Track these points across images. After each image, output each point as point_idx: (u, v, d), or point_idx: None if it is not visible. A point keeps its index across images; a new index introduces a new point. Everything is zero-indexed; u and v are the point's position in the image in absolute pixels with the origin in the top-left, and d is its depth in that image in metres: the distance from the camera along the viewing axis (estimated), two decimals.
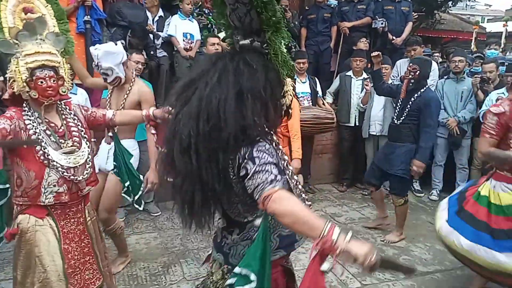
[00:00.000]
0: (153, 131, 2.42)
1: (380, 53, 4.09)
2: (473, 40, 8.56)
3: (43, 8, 2.20)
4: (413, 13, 6.01)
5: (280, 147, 1.42)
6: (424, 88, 3.74)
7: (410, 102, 3.72)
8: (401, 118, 3.76)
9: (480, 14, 25.44)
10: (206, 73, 1.31)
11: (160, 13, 4.87)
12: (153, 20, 4.82)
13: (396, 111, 3.87)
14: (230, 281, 1.29)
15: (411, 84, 3.72)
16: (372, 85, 4.52)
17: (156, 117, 2.29)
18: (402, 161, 3.72)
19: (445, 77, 5.03)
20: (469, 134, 4.82)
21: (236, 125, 1.22)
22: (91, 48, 3.04)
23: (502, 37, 8.66)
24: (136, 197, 2.73)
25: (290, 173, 1.44)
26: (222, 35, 4.98)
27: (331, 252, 1.13)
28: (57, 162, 1.98)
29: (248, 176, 1.24)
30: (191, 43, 4.92)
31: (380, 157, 4.01)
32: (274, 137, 1.40)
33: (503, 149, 2.65)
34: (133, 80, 3.11)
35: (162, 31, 4.80)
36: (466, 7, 22.95)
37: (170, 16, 4.93)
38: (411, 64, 3.76)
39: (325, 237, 1.12)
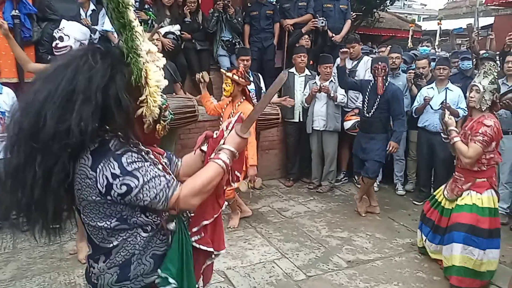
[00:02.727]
0: None
1: (348, 50, 4.51)
2: (409, 38, 9.01)
3: None
4: (352, 12, 6.23)
5: (151, 156, 1.34)
6: (388, 82, 4.23)
7: (379, 96, 4.17)
8: (372, 111, 4.22)
9: (416, 13, 26.90)
10: (59, 63, 1.21)
11: (92, 7, 4.66)
12: (85, 14, 4.60)
13: (366, 105, 4.29)
14: (157, 280, 1.29)
15: (384, 80, 4.17)
16: (317, 89, 4.83)
17: None
18: (378, 148, 4.22)
19: None
20: (404, 127, 5.06)
21: (55, 127, 1.10)
22: (63, 20, 3.19)
23: (437, 34, 9.18)
24: None
25: None
26: (162, 30, 4.86)
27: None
28: None
29: (136, 191, 1.17)
30: None
31: (357, 148, 4.48)
32: (142, 147, 1.31)
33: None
34: None
35: (96, 25, 4.60)
36: (403, 6, 24.20)
37: (103, 8, 4.72)
38: (380, 63, 4.17)
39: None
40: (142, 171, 1.18)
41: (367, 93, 4.29)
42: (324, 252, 3.65)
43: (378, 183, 5.25)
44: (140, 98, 1.22)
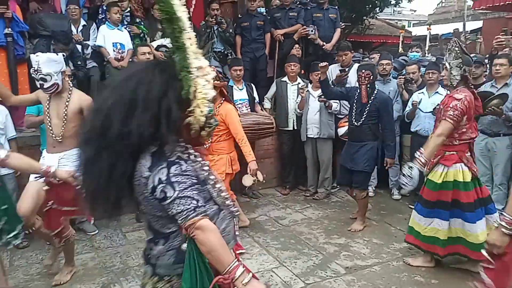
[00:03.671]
0: (46, 187, 2.43)
1: (327, 63, 4.37)
2: (400, 44, 9.12)
3: None
4: (341, 20, 6.30)
5: (199, 159, 1.47)
6: (377, 90, 4.12)
7: (368, 105, 4.06)
8: (361, 120, 4.08)
9: (406, 19, 27.13)
10: (126, 75, 1.42)
11: (83, 22, 4.71)
12: (77, 30, 4.65)
13: (354, 113, 4.17)
14: None
15: (368, 89, 4.05)
16: (306, 90, 4.87)
17: (56, 176, 2.27)
18: (367, 157, 4.06)
19: None
20: (397, 132, 5.09)
21: (119, 129, 1.28)
22: (32, 55, 3.11)
23: (427, 39, 9.30)
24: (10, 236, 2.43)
25: (212, 182, 1.49)
26: (155, 43, 4.91)
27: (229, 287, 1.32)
28: None
29: (169, 201, 1.31)
30: (122, 53, 4.79)
31: (345, 158, 4.30)
32: (191, 150, 1.46)
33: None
34: (70, 89, 3.22)
35: (88, 40, 4.65)
36: (393, 12, 24.50)
37: (94, 24, 4.77)
38: (363, 71, 4.07)
39: (228, 273, 1.30)
40: (182, 186, 1.31)
41: (355, 101, 4.17)
42: (322, 259, 3.65)
43: (374, 188, 5.28)
44: (188, 109, 1.36)
